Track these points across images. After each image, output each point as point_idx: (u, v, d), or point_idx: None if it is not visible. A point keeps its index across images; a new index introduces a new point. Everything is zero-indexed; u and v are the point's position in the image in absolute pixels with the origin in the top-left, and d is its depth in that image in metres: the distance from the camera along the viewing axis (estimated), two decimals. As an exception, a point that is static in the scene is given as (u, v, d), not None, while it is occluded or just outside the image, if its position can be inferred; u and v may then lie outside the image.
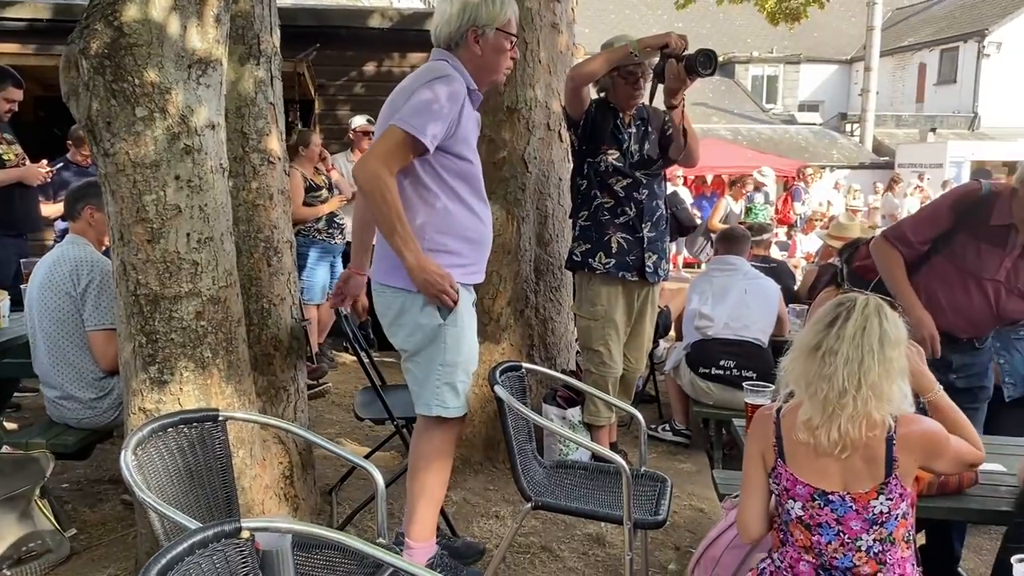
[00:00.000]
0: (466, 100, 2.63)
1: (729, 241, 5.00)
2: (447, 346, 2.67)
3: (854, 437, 1.99)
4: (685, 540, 3.54)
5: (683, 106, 3.53)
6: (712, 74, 3.37)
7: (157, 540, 1.98)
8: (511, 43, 2.71)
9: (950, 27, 26.02)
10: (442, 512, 3.40)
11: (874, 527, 2.02)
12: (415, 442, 2.85)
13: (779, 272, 5.39)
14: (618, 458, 2.68)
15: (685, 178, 14.42)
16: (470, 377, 2.79)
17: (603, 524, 3.48)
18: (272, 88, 3.29)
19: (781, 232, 13.13)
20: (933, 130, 22.37)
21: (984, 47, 23.69)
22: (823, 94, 28.92)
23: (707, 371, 4.53)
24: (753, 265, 5.03)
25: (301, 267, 5.81)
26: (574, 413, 4.03)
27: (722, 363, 4.50)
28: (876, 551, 2.03)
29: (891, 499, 2.01)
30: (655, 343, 5.48)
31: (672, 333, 5.77)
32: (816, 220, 11.68)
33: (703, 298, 4.75)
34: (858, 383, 1.98)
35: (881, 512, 2.01)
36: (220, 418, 2.37)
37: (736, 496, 2.72)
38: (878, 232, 3.76)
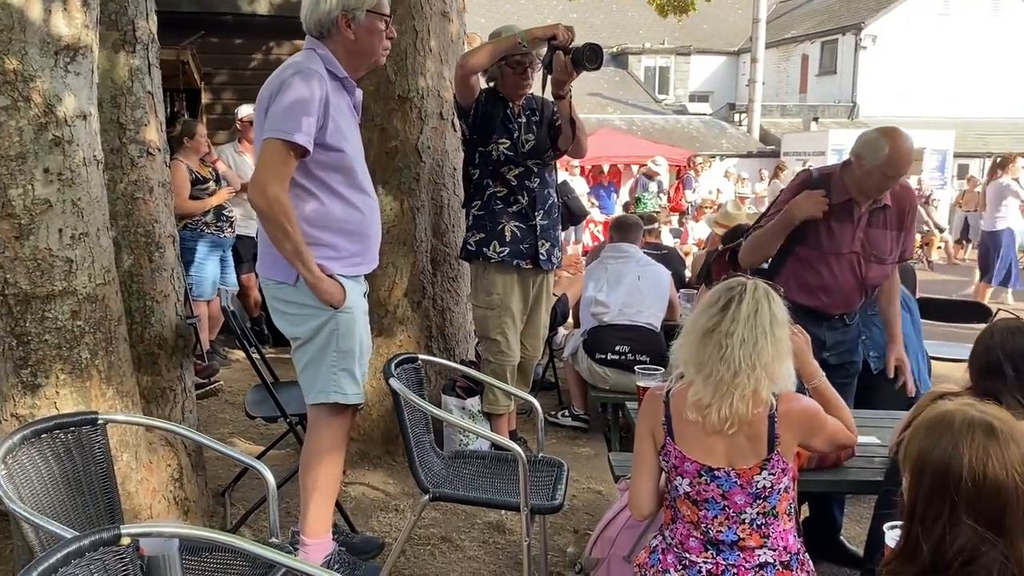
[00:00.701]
0: (331, 89, 2.58)
1: (622, 229, 5.09)
2: (340, 333, 2.66)
3: (742, 414, 2.05)
4: (584, 523, 3.60)
5: (570, 98, 3.57)
6: (598, 68, 3.41)
7: (33, 552, 1.88)
8: (385, 23, 2.69)
9: (829, 20, 27.19)
10: (340, 508, 3.37)
11: (757, 501, 2.09)
12: (307, 436, 2.81)
13: (670, 258, 5.53)
14: (514, 445, 2.71)
15: (583, 168, 14.64)
16: (365, 367, 2.78)
17: (503, 512, 3.50)
18: (150, 76, 3.16)
19: (674, 219, 13.50)
20: (816, 119, 23.32)
21: (861, 40, 24.85)
22: (713, 85, 29.78)
23: (603, 356, 4.61)
24: (645, 252, 5.14)
25: (189, 262, 5.62)
26: (473, 403, 4.04)
27: (617, 348, 4.59)
28: (759, 524, 2.10)
29: (773, 474, 2.08)
30: (554, 330, 5.55)
31: (570, 320, 5.85)
32: (706, 208, 12.05)
33: (598, 285, 4.84)
34: (753, 364, 2.04)
35: (764, 487, 2.08)
36: (99, 421, 2.27)
37: (630, 476, 2.78)
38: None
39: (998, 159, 9.93)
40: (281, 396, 3.36)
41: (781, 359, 2.07)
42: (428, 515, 3.57)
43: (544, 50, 3.46)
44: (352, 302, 2.67)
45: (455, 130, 4.18)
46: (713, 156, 18.96)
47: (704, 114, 26.24)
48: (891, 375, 3.36)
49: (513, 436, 4.18)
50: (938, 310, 5.43)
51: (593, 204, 13.96)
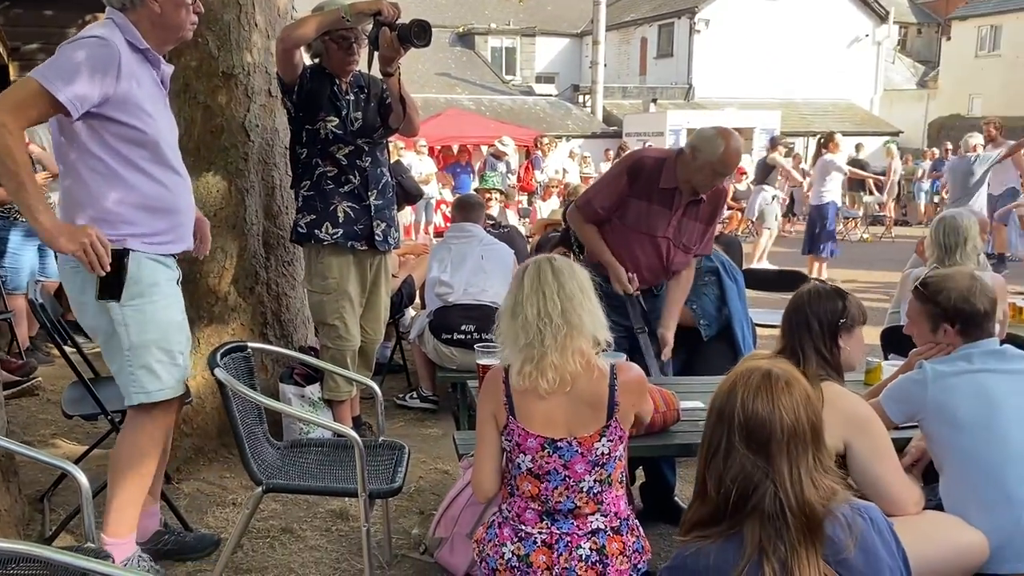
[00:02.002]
0: (131, 61, 2.46)
1: (465, 209, 5.09)
2: (128, 328, 2.51)
3: (571, 369, 2.14)
4: (431, 504, 3.59)
5: (399, 75, 3.51)
6: (426, 45, 3.37)
7: None
8: None
9: (665, 4, 28.21)
10: (172, 506, 3.22)
11: (595, 468, 2.16)
12: (120, 434, 2.66)
13: (512, 236, 5.58)
14: (349, 431, 2.65)
15: (431, 148, 14.55)
16: (177, 356, 2.64)
17: (346, 499, 3.44)
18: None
19: (524, 199, 13.67)
20: (654, 101, 24.22)
21: (695, 23, 25.96)
22: (558, 66, 30.30)
23: (449, 336, 4.61)
24: (488, 231, 5.16)
25: (3, 252, 5.20)
26: (313, 390, 3.93)
27: (463, 328, 4.59)
28: (595, 492, 2.18)
29: (611, 441, 2.17)
30: (400, 312, 5.50)
31: (418, 301, 5.81)
32: (553, 187, 12.25)
33: (443, 266, 4.82)
34: (548, 316, 2.15)
35: (602, 454, 2.16)
36: None
37: (473, 455, 2.80)
38: None
39: (822, 138, 10.60)
40: (101, 392, 3.14)
41: (575, 306, 2.19)
42: (268, 507, 3.46)
43: (370, 26, 3.38)
44: (146, 284, 2.53)
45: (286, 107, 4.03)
46: (559, 137, 19.29)
47: (550, 95, 26.68)
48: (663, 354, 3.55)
49: (357, 421, 4.11)
50: (763, 280, 5.76)
51: (445, 184, 13.93)
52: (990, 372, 2.42)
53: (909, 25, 36.40)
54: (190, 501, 3.53)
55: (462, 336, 4.57)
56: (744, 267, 5.16)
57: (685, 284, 3.65)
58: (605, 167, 16.60)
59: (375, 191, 3.72)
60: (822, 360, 2.40)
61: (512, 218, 8.83)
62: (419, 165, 12.99)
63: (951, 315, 2.51)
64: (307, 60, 3.64)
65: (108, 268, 2.40)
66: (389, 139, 3.95)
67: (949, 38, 31.26)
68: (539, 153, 14.45)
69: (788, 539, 1.52)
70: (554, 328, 2.14)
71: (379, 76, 3.59)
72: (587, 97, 25.09)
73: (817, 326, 2.42)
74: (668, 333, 3.55)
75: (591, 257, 3.57)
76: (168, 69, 2.66)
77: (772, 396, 1.61)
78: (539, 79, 29.20)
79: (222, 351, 2.75)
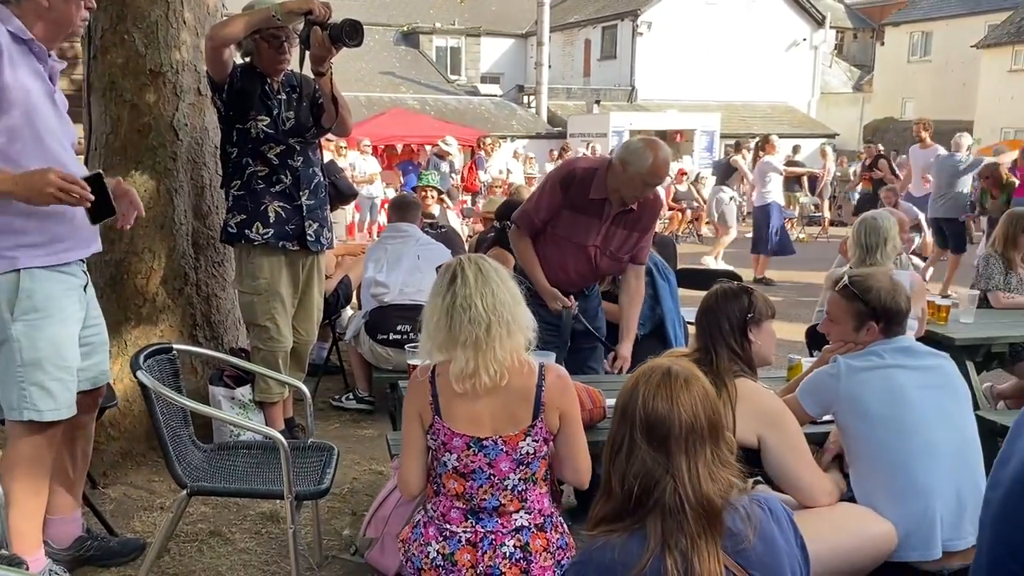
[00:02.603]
0: (13, 52, 2.37)
1: (401, 209, 5.09)
2: (20, 344, 2.42)
3: (509, 366, 2.15)
4: (364, 505, 3.58)
5: (331, 74, 3.49)
6: (358, 45, 3.35)
7: None
8: None
9: (609, 6, 28.47)
10: (96, 511, 3.16)
11: (520, 467, 2.18)
12: (5, 448, 2.57)
13: (449, 237, 5.59)
14: (275, 433, 2.64)
15: (375, 147, 14.46)
16: (69, 374, 2.54)
17: (277, 501, 3.41)
18: None
19: (468, 199, 13.69)
20: (598, 102, 24.42)
21: (638, 26, 26.24)
22: (503, 66, 30.36)
23: (385, 337, 4.60)
24: (425, 232, 5.17)
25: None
26: (244, 392, 3.89)
27: (399, 328, 4.59)
28: (520, 490, 2.20)
29: (537, 441, 2.19)
30: (337, 313, 5.47)
31: (355, 301, 5.78)
32: (496, 187, 12.29)
33: (378, 266, 4.81)
34: (499, 312, 2.16)
35: (528, 453, 2.18)
36: None
37: (403, 455, 2.81)
38: None
39: (759, 141, 10.83)
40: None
41: (518, 302, 2.22)
42: (197, 510, 3.41)
43: (301, 25, 3.36)
44: (39, 299, 2.43)
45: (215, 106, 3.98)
46: (504, 137, 19.35)
47: (495, 95, 26.71)
48: (612, 369, 3.58)
49: (290, 423, 4.08)
50: (695, 279, 5.86)
51: (389, 184, 13.85)
52: (900, 368, 2.51)
53: (845, 30, 37.37)
54: (116, 506, 3.46)
55: (398, 336, 4.56)
56: (677, 267, 5.25)
57: (638, 299, 3.71)
58: (550, 167, 16.69)
59: (307, 191, 3.69)
60: (735, 356, 2.47)
61: (454, 219, 8.82)
62: (363, 164, 12.90)
63: (879, 313, 2.58)
64: (238, 59, 3.60)
65: (91, 197, 2.34)
66: (325, 138, 3.92)
67: (883, 43, 32.18)
68: (483, 153, 14.47)
69: (688, 532, 1.56)
70: (502, 322, 2.15)
71: (311, 75, 3.57)
72: (532, 98, 25.19)
73: (727, 325, 2.49)
74: (625, 349, 3.58)
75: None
76: (58, 65, 2.56)
77: (671, 393, 1.64)
78: (484, 79, 29.21)
79: (145, 353, 2.71)
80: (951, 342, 4.23)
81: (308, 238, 3.71)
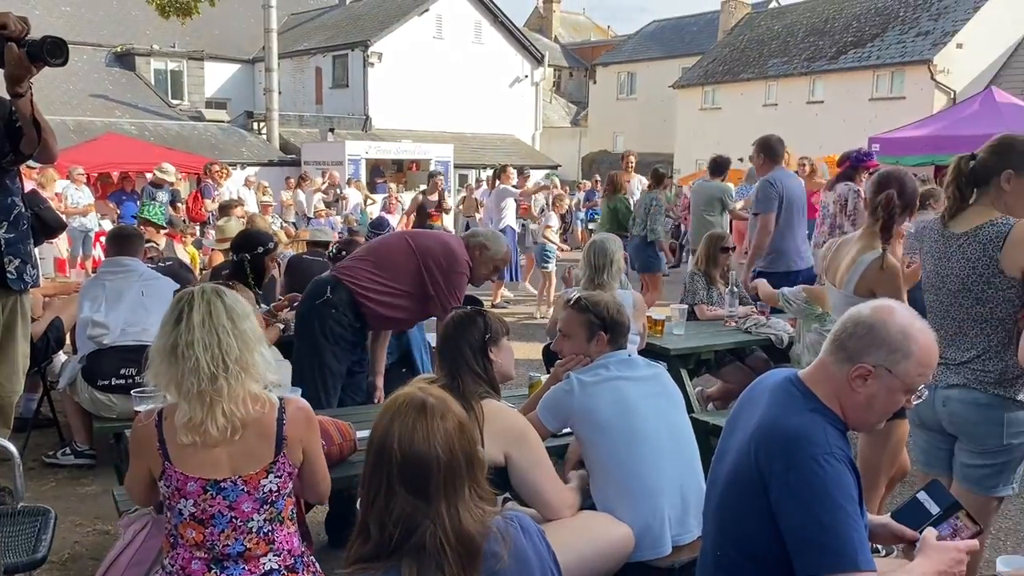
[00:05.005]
0: None
1: (120, 241, 4.69)
2: None
3: (242, 415, 2.03)
4: (88, 570, 3.26)
5: (31, 96, 3.15)
6: (63, 64, 3.06)
7: None
8: None
9: (339, 35, 28.37)
10: None
11: (264, 506, 2.09)
12: None
13: (176, 270, 5.25)
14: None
15: (88, 176, 13.24)
16: None
17: None
18: None
19: (198, 229, 12.91)
20: (332, 130, 24.16)
21: (368, 56, 26.38)
22: (229, 92, 29.15)
23: (106, 383, 4.21)
24: (150, 266, 4.81)
25: None
26: (-66, 455, 3.37)
27: (122, 372, 4.22)
28: (266, 531, 2.10)
29: (280, 477, 2.10)
30: (47, 359, 4.93)
31: (68, 345, 5.24)
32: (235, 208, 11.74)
33: (95, 304, 4.39)
34: (224, 364, 2.03)
35: (271, 491, 2.09)
36: None
37: (135, 511, 2.58)
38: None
39: (497, 170, 11.40)
40: None
41: (251, 349, 2.11)
42: None
43: (-6, 41, 3.00)
44: None
45: None
46: (234, 164, 18.52)
47: (222, 121, 25.56)
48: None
49: (-5, 488, 3.59)
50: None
51: (107, 215, 12.72)
52: (624, 379, 2.74)
53: (562, 69, 40.25)
54: None
55: (121, 381, 4.19)
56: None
57: (384, 340, 4.19)
58: (287, 195, 16.24)
59: (5, 223, 3.29)
60: (479, 379, 2.56)
61: (180, 251, 8.28)
62: (76, 194, 11.80)
63: (607, 324, 2.82)
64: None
65: None
66: (26, 166, 3.52)
67: (595, 82, 35.04)
68: (210, 181, 13.76)
69: (447, 571, 1.56)
70: (230, 374, 2.03)
71: (6, 97, 3.20)
72: (262, 124, 24.40)
73: (468, 349, 2.58)
74: (378, 380, 4.10)
75: None
76: None
77: (428, 431, 1.61)
78: (209, 104, 27.83)
79: None
80: (667, 352, 4.67)
81: (8, 275, 3.31)
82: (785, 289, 4.65)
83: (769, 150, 5.94)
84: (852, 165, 6.36)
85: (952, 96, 20.94)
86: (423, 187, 14.00)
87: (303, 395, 3.19)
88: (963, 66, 21.43)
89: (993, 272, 2.63)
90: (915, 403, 1.97)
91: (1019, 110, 13.63)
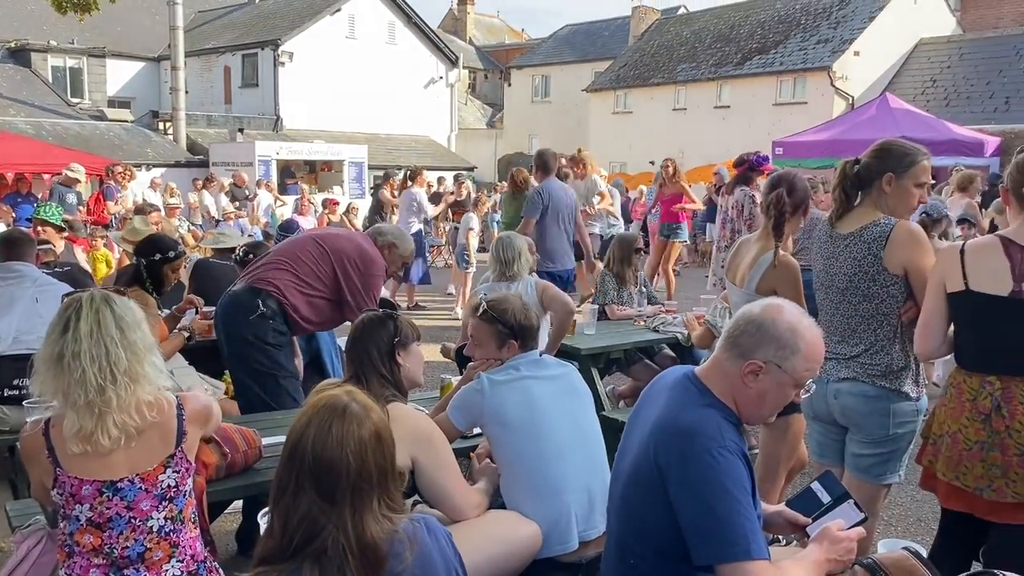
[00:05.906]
0: None
1: (10, 245, 4.48)
2: None
3: (137, 424, 1.99)
4: (-22, 590, 3.09)
5: None
6: None
7: None
8: None
9: (248, 34, 27.68)
10: None
11: (164, 503, 2.04)
12: None
13: (74, 275, 5.05)
14: None
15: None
16: None
17: None
18: None
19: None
20: (241, 130, 23.55)
21: (279, 55, 25.83)
22: (134, 90, 28.15)
23: (-1, 394, 4.02)
24: (44, 272, 4.61)
25: None
26: None
27: (15, 382, 4.04)
28: (168, 531, 2.05)
29: (178, 472, 2.06)
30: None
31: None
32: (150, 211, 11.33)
33: (-15, 313, 4.19)
34: (112, 375, 1.99)
35: (170, 486, 2.05)
36: None
37: (28, 527, 2.48)
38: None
39: (408, 172, 11.29)
40: None
41: (141, 359, 2.07)
42: None
43: None
44: None
45: None
46: (138, 165, 17.89)
47: (126, 121, 24.65)
48: None
49: None
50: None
51: (2, 218, 12.09)
52: (534, 379, 2.77)
53: (477, 71, 40.29)
54: None
55: (15, 392, 4.01)
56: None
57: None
58: (193, 197, 15.77)
59: None
60: (385, 381, 2.56)
61: (80, 255, 7.95)
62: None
63: (517, 332, 2.84)
64: None
65: None
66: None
67: (510, 84, 35.19)
68: (112, 182, 13.26)
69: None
70: (119, 386, 1.98)
71: None
72: (168, 124, 23.63)
73: (376, 352, 2.57)
74: None
75: None
76: None
77: (342, 437, 1.59)
78: (112, 103, 26.79)
79: None
80: (578, 352, 4.74)
81: None
82: (707, 317, 4.56)
83: (542, 163, 6.71)
84: (749, 168, 6.63)
85: (851, 101, 21.82)
86: (379, 183, 13.88)
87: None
88: (860, 73, 22.36)
89: (878, 270, 2.76)
90: (803, 397, 2.06)
91: (911, 115, 14.36)
